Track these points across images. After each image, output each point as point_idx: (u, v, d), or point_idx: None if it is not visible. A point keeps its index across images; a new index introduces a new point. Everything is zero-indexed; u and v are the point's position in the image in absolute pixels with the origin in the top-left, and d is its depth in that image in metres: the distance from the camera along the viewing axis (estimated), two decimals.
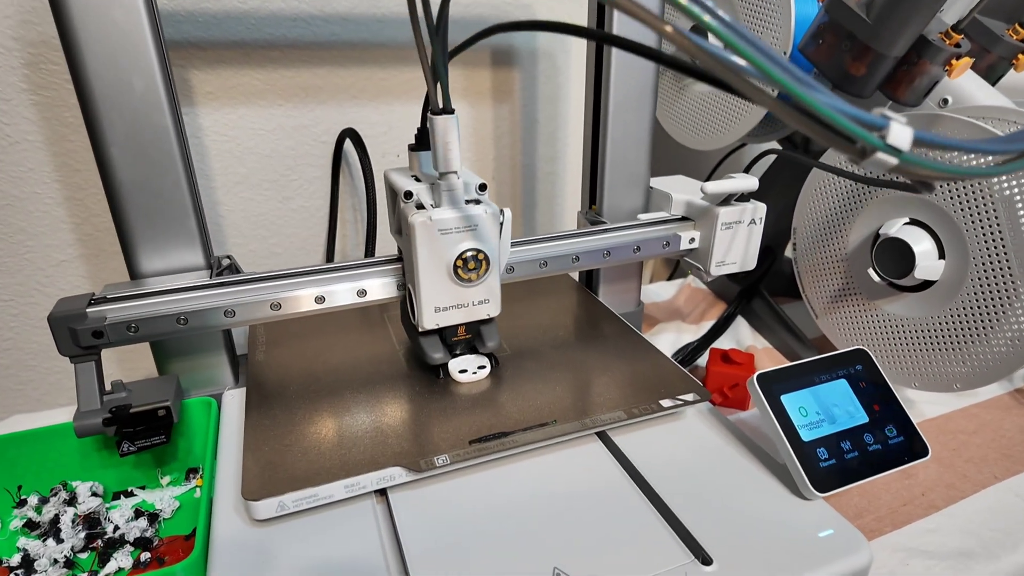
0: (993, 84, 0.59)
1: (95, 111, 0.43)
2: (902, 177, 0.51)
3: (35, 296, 0.69)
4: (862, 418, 0.42)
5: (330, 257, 0.80)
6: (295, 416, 0.44)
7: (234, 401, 0.50)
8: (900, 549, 0.44)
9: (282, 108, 0.73)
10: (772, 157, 0.75)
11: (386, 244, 0.77)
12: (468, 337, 0.47)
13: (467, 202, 0.42)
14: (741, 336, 0.71)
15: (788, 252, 0.70)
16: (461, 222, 0.42)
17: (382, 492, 0.40)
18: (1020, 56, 0.56)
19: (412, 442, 0.41)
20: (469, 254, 0.42)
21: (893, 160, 0.23)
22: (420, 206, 0.42)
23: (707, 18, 0.21)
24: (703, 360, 0.66)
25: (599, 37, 0.43)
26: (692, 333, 0.73)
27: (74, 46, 0.41)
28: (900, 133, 0.23)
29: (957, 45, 0.53)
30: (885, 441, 0.41)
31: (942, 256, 0.51)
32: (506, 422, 0.43)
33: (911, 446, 0.42)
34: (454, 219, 0.41)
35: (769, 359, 0.67)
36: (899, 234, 0.52)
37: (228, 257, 0.51)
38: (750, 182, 0.51)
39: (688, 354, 0.67)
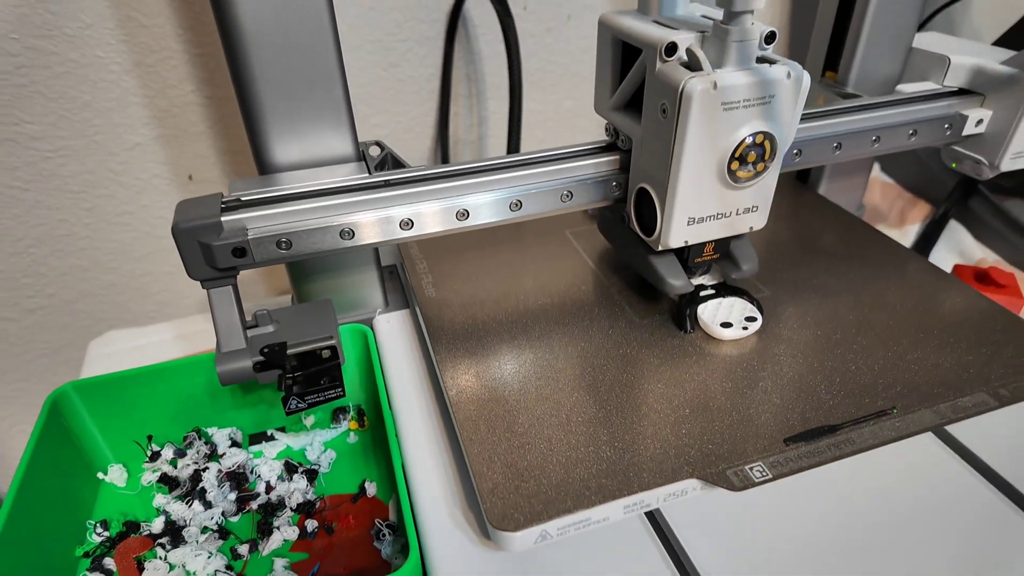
0: None
1: None
2: None
3: (110, 187, 0.58)
4: None
5: (443, 143, 0.66)
6: (510, 386, 0.32)
7: (391, 327, 0.40)
8: None
9: None
10: None
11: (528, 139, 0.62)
12: (715, 257, 0.35)
13: (759, 61, 0.29)
14: (962, 245, 0.58)
15: None
16: (753, 91, 0.28)
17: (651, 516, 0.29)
18: None
19: (701, 439, 0.29)
20: (757, 140, 0.29)
21: None
22: (689, 67, 0.28)
23: None
24: None
25: None
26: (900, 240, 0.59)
27: None
28: None
29: None
30: None
31: None
32: (821, 409, 0.30)
33: None
34: (746, 87, 0.28)
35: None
36: None
37: (378, 144, 0.38)
38: None
39: None
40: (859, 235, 0.45)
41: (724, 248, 0.35)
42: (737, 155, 0.30)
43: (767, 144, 0.30)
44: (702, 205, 0.31)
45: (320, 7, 0.31)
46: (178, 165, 0.59)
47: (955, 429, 0.32)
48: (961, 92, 0.42)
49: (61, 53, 0.51)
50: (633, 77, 0.32)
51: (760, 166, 0.30)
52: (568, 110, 0.70)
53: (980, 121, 0.41)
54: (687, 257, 0.35)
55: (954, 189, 0.61)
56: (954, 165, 0.45)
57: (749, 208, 0.32)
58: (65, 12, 0.50)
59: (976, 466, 0.30)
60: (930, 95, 0.41)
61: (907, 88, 0.43)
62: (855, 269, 0.41)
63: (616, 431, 0.30)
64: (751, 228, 0.33)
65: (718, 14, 0.30)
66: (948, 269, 0.46)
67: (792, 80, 0.29)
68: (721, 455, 0.28)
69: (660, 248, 0.33)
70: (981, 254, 0.57)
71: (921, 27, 0.71)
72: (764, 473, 0.27)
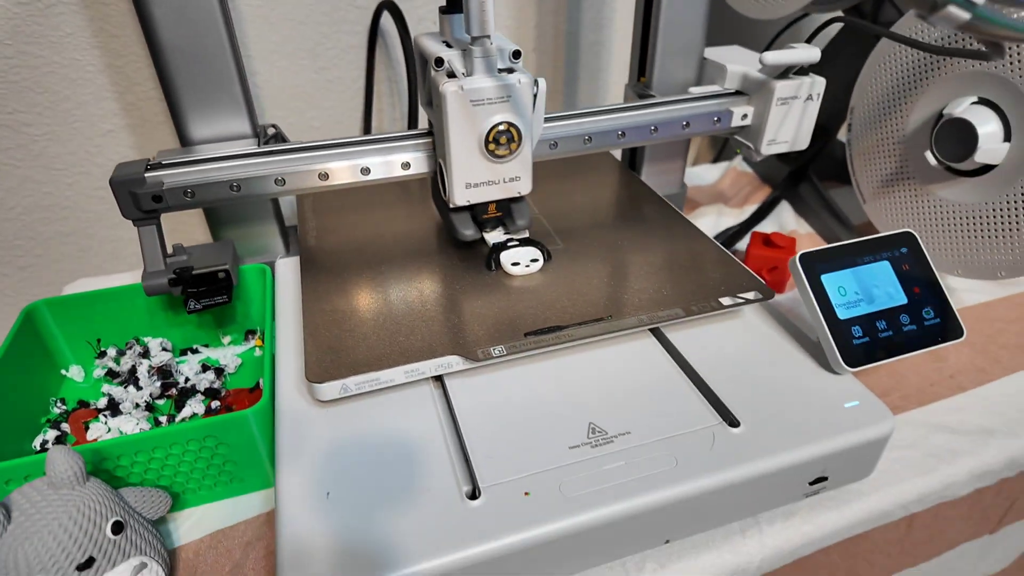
0: None
1: None
2: (974, 43, 0.47)
3: (86, 165, 0.71)
4: (901, 299, 0.42)
5: (368, 131, 0.79)
6: (350, 298, 0.45)
7: (287, 268, 0.52)
8: (923, 425, 0.46)
9: None
10: (832, 30, 0.70)
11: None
12: (499, 215, 0.48)
13: (500, 71, 0.41)
14: (784, 221, 0.70)
15: (841, 135, 0.67)
16: (494, 92, 0.40)
17: (438, 378, 0.41)
18: None
19: (469, 332, 0.41)
20: (502, 127, 0.42)
21: (966, 15, 0.21)
22: (451, 74, 0.41)
23: None
24: (743, 244, 0.66)
25: None
26: (734, 217, 0.72)
27: None
28: None
29: None
30: (921, 322, 0.42)
31: (1008, 139, 0.49)
32: (561, 316, 0.43)
33: (946, 327, 0.42)
34: (487, 89, 0.40)
35: (811, 244, 0.66)
36: (965, 114, 0.50)
37: (273, 126, 0.51)
38: (812, 53, 0.48)
39: (728, 237, 0.66)
40: (651, 207, 0.57)
41: (506, 208, 0.48)
42: (491, 138, 0.42)
43: (513, 131, 0.42)
44: (474, 174, 0.43)
45: (219, 28, 0.44)
46: (143, 149, 0.72)
47: (672, 336, 0.44)
48: (736, 93, 0.55)
49: (46, 56, 0.64)
50: (425, 80, 0.44)
51: (513, 146, 0.43)
52: None
53: (745, 115, 0.54)
54: (476, 213, 0.47)
55: (786, 177, 0.73)
56: (739, 151, 0.58)
57: (514, 178, 0.45)
58: (50, 23, 0.63)
59: (682, 366, 0.42)
60: (707, 95, 0.54)
61: (695, 90, 0.55)
62: (634, 229, 0.53)
63: (413, 327, 0.42)
64: (519, 192, 0.46)
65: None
66: None
67: (524, 85, 0.41)
68: (478, 341, 0.40)
69: (452, 206, 0.45)
70: (795, 226, 0.69)
71: (770, 45, 0.83)
72: (502, 352, 0.40)
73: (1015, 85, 0.48)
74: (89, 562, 0.31)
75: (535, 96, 0.42)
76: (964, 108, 0.50)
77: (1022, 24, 0.23)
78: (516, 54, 0.41)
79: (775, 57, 0.48)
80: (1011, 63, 0.48)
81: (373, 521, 0.33)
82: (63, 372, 0.50)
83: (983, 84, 0.50)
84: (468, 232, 0.47)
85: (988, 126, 0.49)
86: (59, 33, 0.64)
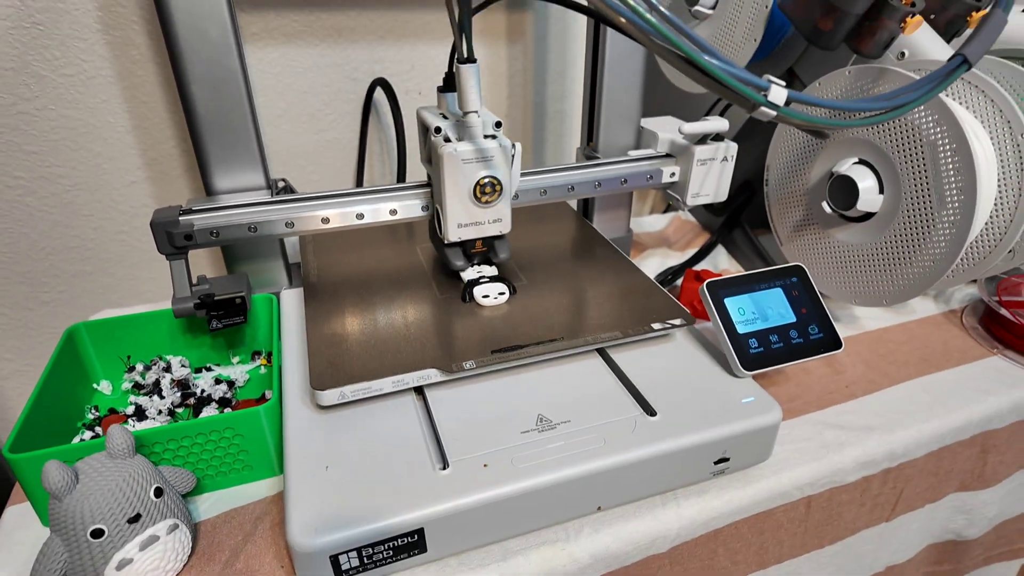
0: (951, 38, 0.66)
1: (180, 55, 0.52)
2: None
3: (110, 212, 0.81)
4: (791, 318, 0.52)
5: (360, 185, 0.90)
6: (346, 321, 0.54)
7: (291, 298, 0.62)
8: (818, 423, 0.56)
9: (317, 48, 0.81)
10: None
11: (413, 173, 0.87)
12: (484, 250, 0.58)
13: (485, 137, 0.52)
14: (719, 261, 0.81)
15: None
16: (480, 154, 0.51)
17: (418, 390, 0.50)
18: (973, 14, 0.63)
19: (445, 350, 0.51)
20: (486, 180, 0.52)
21: (772, 112, 0.33)
22: (447, 139, 0.52)
23: (636, 7, 0.30)
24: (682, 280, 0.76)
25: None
26: (677, 259, 0.83)
27: (163, 1, 0.50)
28: (778, 93, 0.32)
29: (912, 4, 0.60)
30: (808, 336, 0.52)
31: (882, 191, 0.61)
32: (522, 337, 0.52)
33: (829, 340, 0.52)
34: (474, 151, 0.51)
35: None
36: (848, 172, 0.62)
37: (283, 180, 0.61)
38: (721, 124, 0.60)
39: (670, 275, 0.77)
40: (600, 249, 0.68)
41: (490, 244, 0.58)
42: (478, 188, 0.53)
43: (495, 182, 0.53)
44: (465, 216, 0.54)
45: (242, 98, 0.55)
46: (160, 198, 0.82)
47: (615, 355, 0.54)
48: (666, 155, 0.66)
49: (84, 119, 0.75)
50: (426, 143, 0.55)
51: (494, 195, 0.54)
52: None
53: (673, 174, 0.65)
54: (466, 248, 0.57)
55: (721, 225, 0.85)
56: (671, 203, 0.69)
57: (496, 219, 0.55)
58: (89, 92, 0.74)
59: (617, 374, 0.52)
60: (642, 157, 0.65)
61: (633, 153, 0.67)
62: (585, 267, 0.64)
63: (399, 346, 0.51)
64: (500, 232, 0.56)
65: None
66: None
67: (504, 148, 0.52)
68: (452, 357, 0.50)
69: (446, 242, 0.56)
70: (727, 266, 0.80)
71: (708, 114, 0.97)
72: (472, 366, 0.49)
73: (882, 150, 0.60)
74: (136, 517, 0.39)
75: (513, 156, 0.53)
76: (848, 167, 0.62)
77: (813, 117, 0.34)
78: (498, 124, 0.52)
79: (692, 127, 0.59)
80: (878, 133, 0.60)
81: (363, 485, 0.41)
82: (94, 386, 0.58)
83: (860, 148, 0.62)
84: (459, 263, 0.57)
85: (866, 181, 0.61)
86: (96, 99, 0.74)
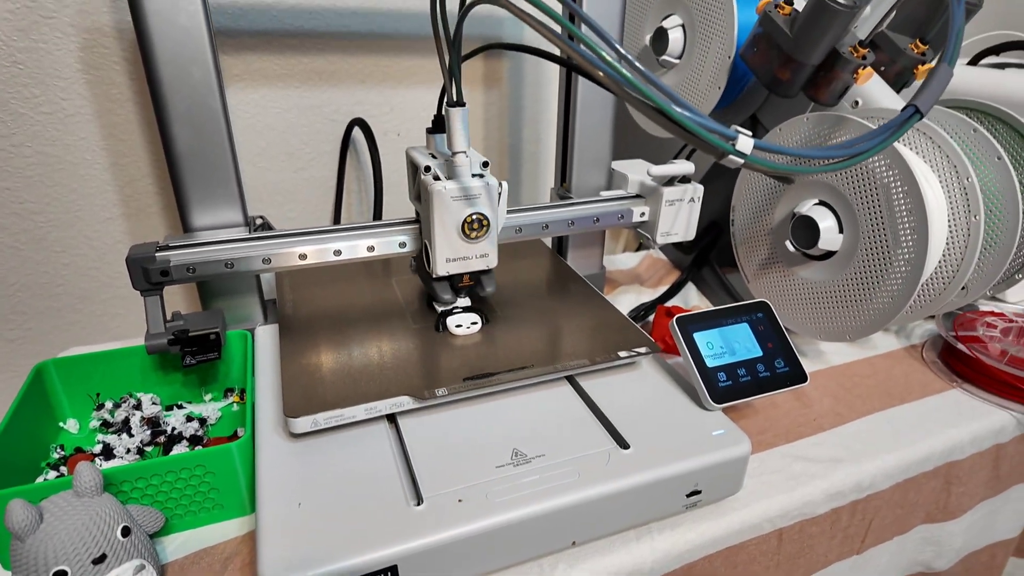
0: (901, 88, 0.70)
1: (162, 95, 0.53)
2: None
3: (83, 248, 0.80)
4: (757, 352, 0.54)
5: (337, 222, 0.91)
6: (321, 353, 0.55)
7: (266, 335, 0.62)
8: (787, 456, 0.57)
9: (298, 90, 0.83)
10: None
11: (390, 210, 0.88)
12: (472, 284, 0.59)
13: (473, 176, 0.54)
14: (689, 298, 0.83)
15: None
16: (467, 192, 0.53)
17: (391, 417, 0.50)
18: (919, 67, 0.68)
19: (418, 378, 0.51)
20: (474, 217, 0.54)
21: (740, 160, 0.35)
22: (437, 177, 0.53)
23: (608, 59, 0.32)
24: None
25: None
26: (649, 295, 0.85)
27: (148, 43, 0.52)
28: (745, 142, 0.34)
29: (863, 57, 0.64)
30: (774, 370, 0.54)
31: (841, 231, 0.63)
32: (494, 365, 0.53)
33: (794, 374, 0.54)
34: (462, 189, 0.52)
35: None
36: (809, 212, 0.64)
37: (261, 217, 0.62)
38: (687, 167, 0.63)
39: (642, 311, 0.79)
40: (573, 284, 0.69)
41: (477, 278, 0.59)
42: (466, 225, 0.54)
43: (482, 219, 0.54)
44: (454, 251, 0.55)
45: (223, 137, 0.56)
46: (135, 234, 0.82)
47: (584, 383, 0.55)
48: (636, 196, 0.69)
49: (60, 155, 0.75)
50: (415, 181, 0.57)
51: (482, 231, 0.55)
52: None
53: (643, 213, 0.68)
54: (453, 282, 0.58)
55: (691, 263, 0.87)
56: (642, 242, 0.71)
57: (483, 254, 0.57)
58: (68, 129, 0.74)
59: (589, 405, 0.53)
60: (613, 198, 0.68)
61: (605, 193, 0.69)
62: (557, 301, 0.65)
63: (372, 375, 0.52)
64: (487, 266, 0.57)
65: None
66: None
67: (491, 187, 0.54)
68: (425, 385, 0.50)
69: (435, 276, 0.57)
70: (697, 302, 0.82)
71: (677, 156, 1.00)
72: (444, 393, 0.50)
73: (840, 192, 0.63)
74: (102, 558, 0.38)
75: (499, 194, 0.55)
76: (809, 208, 0.65)
77: (777, 164, 0.37)
78: (485, 164, 0.54)
79: (659, 170, 0.62)
80: (836, 176, 0.63)
81: (336, 523, 0.41)
82: (61, 424, 0.57)
83: (820, 191, 0.65)
84: (447, 296, 0.58)
85: (827, 221, 0.64)
86: (74, 137, 0.75)
